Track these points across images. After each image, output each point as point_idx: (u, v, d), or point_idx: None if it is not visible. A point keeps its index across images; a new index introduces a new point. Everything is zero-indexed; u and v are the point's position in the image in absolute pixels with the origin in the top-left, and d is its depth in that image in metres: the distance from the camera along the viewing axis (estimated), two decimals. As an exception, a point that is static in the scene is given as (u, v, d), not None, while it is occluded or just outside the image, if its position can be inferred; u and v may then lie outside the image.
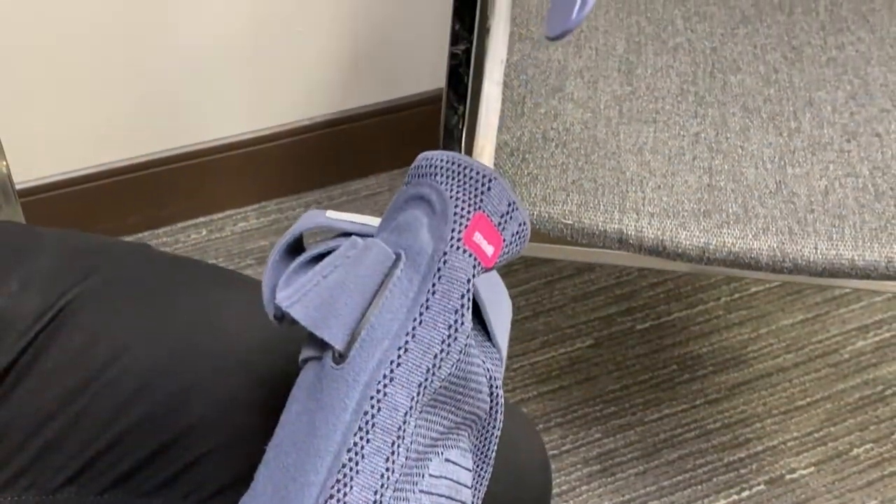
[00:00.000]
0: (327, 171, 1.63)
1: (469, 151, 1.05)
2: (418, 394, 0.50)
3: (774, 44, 1.17)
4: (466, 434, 0.55)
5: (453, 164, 0.53)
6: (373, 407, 0.49)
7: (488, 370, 0.54)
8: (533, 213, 0.99)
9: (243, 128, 1.54)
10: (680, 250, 0.97)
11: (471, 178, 0.53)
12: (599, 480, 1.34)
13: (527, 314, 1.50)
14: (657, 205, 0.99)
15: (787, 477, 1.35)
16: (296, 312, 0.52)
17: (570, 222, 0.98)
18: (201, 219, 1.59)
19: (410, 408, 0.49)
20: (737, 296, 1.54)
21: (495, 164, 1.02)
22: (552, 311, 1.51)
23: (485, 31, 1.17)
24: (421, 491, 0.51)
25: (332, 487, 0.48)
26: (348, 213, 0.58)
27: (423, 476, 0.51)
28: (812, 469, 1.36)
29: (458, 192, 0.53)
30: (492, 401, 0.54)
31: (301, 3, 1.44)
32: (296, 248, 0.57)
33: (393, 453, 0.49)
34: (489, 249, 0.53)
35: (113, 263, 0.73)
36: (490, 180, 0.53)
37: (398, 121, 1.62)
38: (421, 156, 0.55)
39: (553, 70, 1.12)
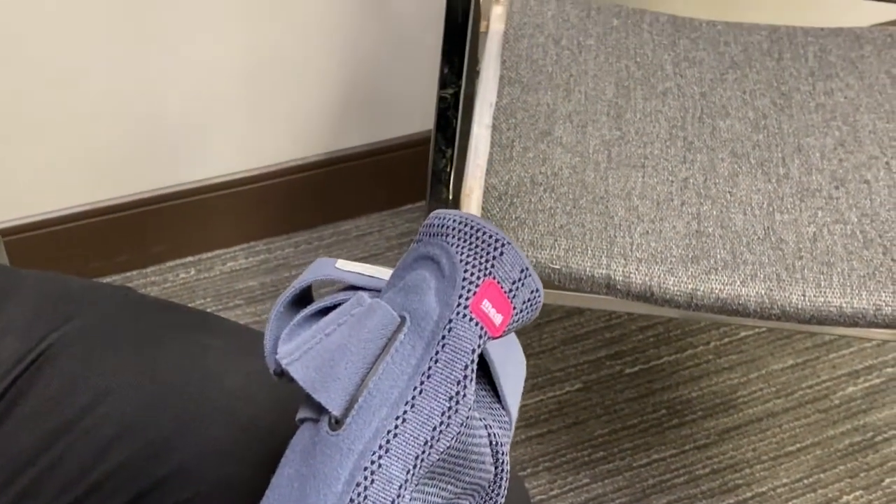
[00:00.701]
0: (318, 211, 1.63)
1: (457, 194, 1.05)
2: (414, 466, 0.48)
3: (763, 90, 1.17)
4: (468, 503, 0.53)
5: (465, 225, 0.52)
6: (366, 479, 0.47)
7: (494, 435, 0.52)
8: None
9: (234, 167, 1.54)
10: (668, 296, 0.97)
11: (483, 241, 0.51)
12: (587, 526, 1.33)
13: (516, 357, 1.49)
14: (645, 250, 0.98)
15: (777, 524, 1.34)
16: (295, 372, 0.51)
17: (557, 267, 0.98)
18: (190, 258, 1.59)
19: (406, 480, 0.48)
20: (726, 340, 1.54)
21: (483, 208, 1.02)
22: (541, 354, 1.50)
23: (474, 74, 1.17)
24: None
25: None
26: (358, 264, 0.56)
27: None
28: (802, 516, 1.35)
29: (468, 256, 0.51)
30: (496, 469, 0.52)
31: (293, 45, 1.44)
32: (303, 295, 0.56)
33: None
34: (497, 318, 0.51)
35: (94, 308, 0.72)
36: (503, 245, 0.51)
37: (389, 162, 1.62)
38: (433, 214, 0.53)
39: (542, 114, 1.12)
